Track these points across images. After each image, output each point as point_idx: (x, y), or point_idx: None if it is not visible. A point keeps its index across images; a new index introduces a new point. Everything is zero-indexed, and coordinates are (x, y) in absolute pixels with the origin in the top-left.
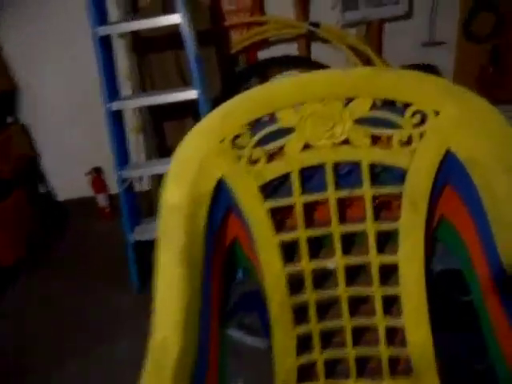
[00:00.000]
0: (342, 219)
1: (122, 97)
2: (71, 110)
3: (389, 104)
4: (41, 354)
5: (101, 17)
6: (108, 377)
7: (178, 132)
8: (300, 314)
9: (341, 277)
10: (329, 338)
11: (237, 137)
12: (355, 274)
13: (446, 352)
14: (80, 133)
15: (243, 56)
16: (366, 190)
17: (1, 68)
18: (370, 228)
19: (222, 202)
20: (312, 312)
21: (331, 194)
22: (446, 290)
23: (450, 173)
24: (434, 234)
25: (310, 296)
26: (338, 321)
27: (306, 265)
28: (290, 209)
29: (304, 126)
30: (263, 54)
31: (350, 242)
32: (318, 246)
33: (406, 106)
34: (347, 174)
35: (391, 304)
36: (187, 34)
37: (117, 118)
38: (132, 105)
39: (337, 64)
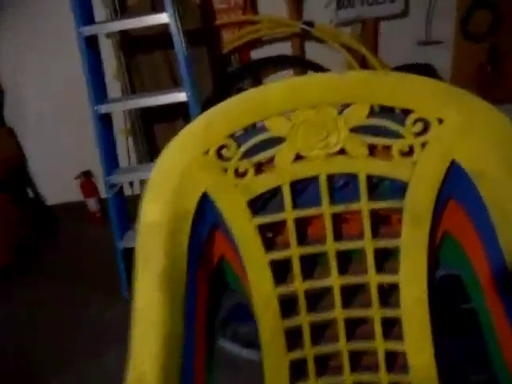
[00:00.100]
0: (338, 235)
1: (110, 99)
2: (60, 112)
3: (387, 110)
4: (27, 364)
5: (86, 16)
6: None
7: (169, 134)
8: (293, 337)
9: (337, 298)
10: (324, 363)
11: (222, 147)
12: (353, 293)
13: (443, 357)
14: (69, 135)
15: (235, 56)
16: (364, 205)
17: None
18: (368, 246)
19: (206, 218)
20: (306, 336)
21: (326, 209)
22: (447, 296)
23: (455, 186)
24: (437, 251)
25: (303, 319)
26: (335, 345)
27: (299, 285)
28: (280, 224)
29: (295, 135)
30: (256, 54)
31: (347, 259)
32: (312, 264)
33: (406, 112)
34: (343, 186)
35: (391, 325)
36: (176, 33)
37: (105, 121)
38: (120, 107)
39: (332, 64)
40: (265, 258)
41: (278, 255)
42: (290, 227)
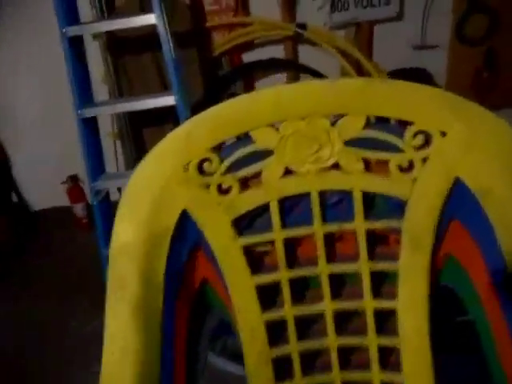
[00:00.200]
0: (331, 255)
1: (96, 103)
2: (45, 115)
3: (381, 121)
4: (8, 375)
5: (70, 16)
6: None
7: (158, 138)
8: (282, 366)
9: (330, 324)
10: None
11: (204, 161)
12: (347, 317)
13: (442, 378)
14: (56, 139)
15: (227, 59)
16: (359, 225)
17: None
18: (364, 268)
19: (186, 238)
20: (296, 366)
21: (317, 229)
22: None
23: (459, 205)
24: (438, 275)
25: (293, 347)
26: (328, 375)
27: (288, 311)
28: (268, 245)
29: (284, 148)
30: (248, 57)
31: (341, 280)
32: (303, 286)
33: (402, 123)
34: (336, 203)
35: (389, 353)
36: (164, 35)
37: (90, 125)
38: (105, 111)
39: (325, 68)
40: (251, 281)
41: (265, 279)
42: (279, 248)
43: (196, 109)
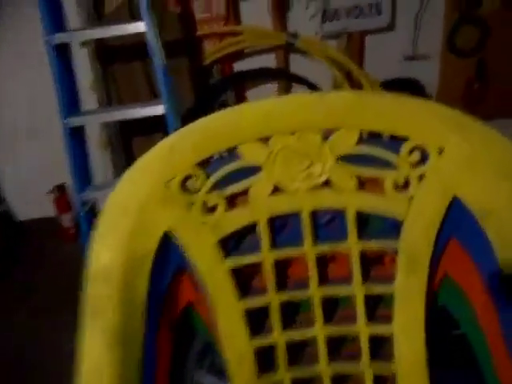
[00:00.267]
0: (323, 277)
1: (83, 111)
2: (31, 123)
3: (375, 136)
4: None
5: (56, 23)
6: None
7: (148, 146)
8: None
9: (322, 350)
10: None
11: (187, 178)
12: (340, 342)
13: None
14: (42, 147)
15: (217, 68)
16: (353, 245)
17: None
18: (357, 292)
19: (169, 260)
20: None
21: (309, 250)
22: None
23: (457, 225)
24: (435, 297)
25: (283, 375)
26: None
27: (278, 337)
28: (257, 265)
29: (273, 165)
30: (239, 66)
31: (334, 303)
32: (294, 309)
33: (394, 138)
34: (328, 222)
35: (385, 379)
36: (153, 43)
37: (76, 135)
38: (92, 120)
39: (317, 77)
40: (238, 305)
41: (253, 303)
42: (268, 271)
43: (186, 118)
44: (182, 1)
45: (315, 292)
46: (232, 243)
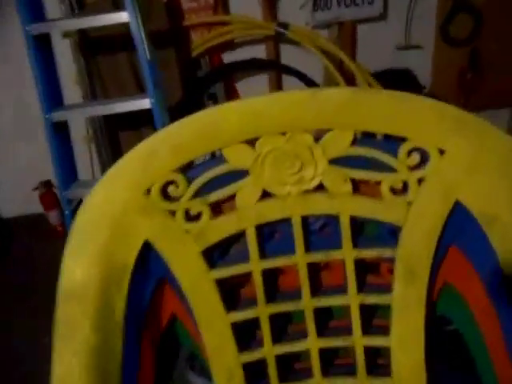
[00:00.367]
0: (317, 286)
1: (66, 106)
2: (15, 118)
3: (369, 136)
4: None
5: (34, 12)
6: None
7: (136, 141)
8: None
9: (316, 363)
10: None
11: (168, 184)
12: (335, 354)
13: None
14: (28, 143)
15: (206, 59)
16: (347, 254)
17: None
18: (353, 303)
19: (149, 274)
20: None
21: (300, 259)
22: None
23: (458, 230)
24: (434, 305)
25: None
26: None
27: (268, 351)
28: (245, 274)
29: (261, 168)
30: (228, 57)
31: (328, 313)
32: (285, 320)
33: (392, 138)
34: (321, 228)
35: None
36: (137, 34)
37: (59, 130)
38: (76, 115)
39: (308, 68)
40: (226, 319)
41: (241, 315)
42: (257, 281)
43: (174, 111)
44: None
45: (308, 304)
46: (217, 253)
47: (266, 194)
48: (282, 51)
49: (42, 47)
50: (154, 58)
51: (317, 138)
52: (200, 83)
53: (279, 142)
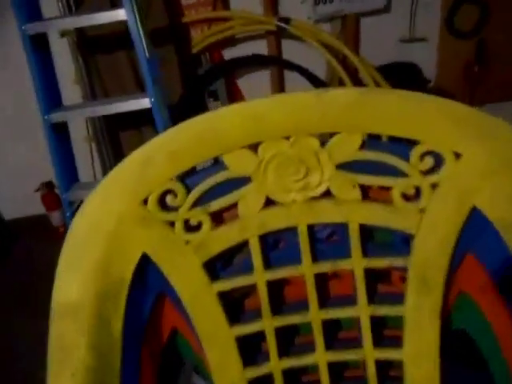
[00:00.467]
0: (325, 296)
1: (65, 106)
2: (15, 118)
3: (375, 138)
4: None
5: (31, 12)
6: None
7: (137, 141)
8: None
9: (324, 378)
10: None
11: (166, 193)
12: (344, 367)
13: None
14: (28, 144)
15: (206, 56)
16: (357, 264)
17: None
18: (363, 314)
19: (148, 288)
20: None
21: (307, 269)
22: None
23: (475, 238)
24: (450, 317)
25: None
26: None
27: (275, 365)
28: (249, 286)
29: (265, 175)
30: (229, 53)
31: (337, 324)
32: (292, 333)
33: (395, 140)
34: (328, 237)
35: None
36: (135, 32)
37: (59, 131)
38: (75, 115)
39: (311, 63)
40: (229, 333)
41: (246, 329)
42: (262, 293)
43: (175, 110)
44: None
45: (315, 316)
46: (219, 264)
47: (269, 202)
48: (283, 46)
49: (39, 47)
50: (154, 56)
51: (323, 142)
52: (201, 80)
53: (283, 147)
